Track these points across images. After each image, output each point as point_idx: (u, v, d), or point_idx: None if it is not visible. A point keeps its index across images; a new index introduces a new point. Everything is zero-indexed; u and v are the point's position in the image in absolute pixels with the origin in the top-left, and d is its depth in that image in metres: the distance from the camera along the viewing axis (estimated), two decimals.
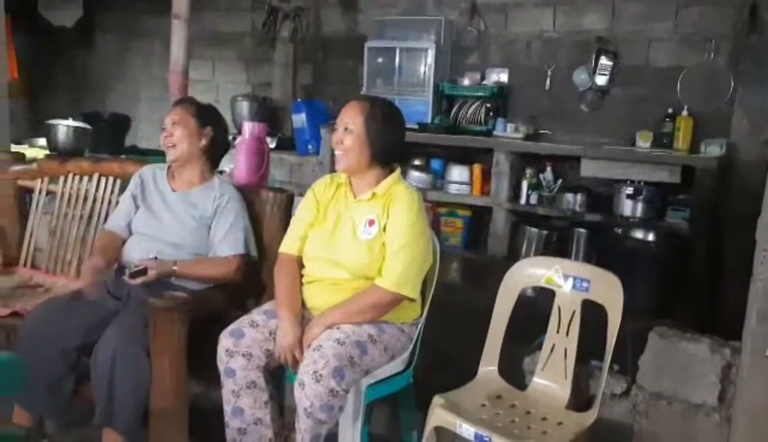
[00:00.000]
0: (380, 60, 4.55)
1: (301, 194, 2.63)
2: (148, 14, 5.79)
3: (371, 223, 1.97)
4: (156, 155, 4.90)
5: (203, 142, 2.37)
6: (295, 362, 1.88)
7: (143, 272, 2.16)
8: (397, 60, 4.48)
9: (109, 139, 5.31)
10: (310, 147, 4.74)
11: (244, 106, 5.14)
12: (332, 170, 4.36)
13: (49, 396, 2.10)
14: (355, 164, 2.00)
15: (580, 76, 4.17)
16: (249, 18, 5.45)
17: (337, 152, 2.02)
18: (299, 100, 4.97)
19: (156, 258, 2.23)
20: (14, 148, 3.86)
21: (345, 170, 2.04)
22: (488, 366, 2.08)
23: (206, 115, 2.40)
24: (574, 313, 1.99)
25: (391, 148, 2.03)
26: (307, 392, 1.76)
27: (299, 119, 4.77)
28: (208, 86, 5.70)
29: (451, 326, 2.54)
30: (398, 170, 2.06)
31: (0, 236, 2.88)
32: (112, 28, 6.19)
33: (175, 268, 2.20)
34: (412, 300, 1.99)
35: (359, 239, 1.98)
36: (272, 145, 4.39)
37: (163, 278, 2.19)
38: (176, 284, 2.22)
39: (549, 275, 2.04)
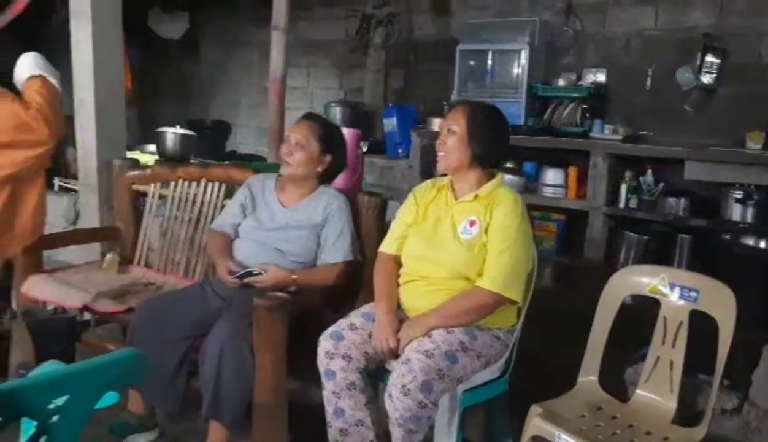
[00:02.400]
0: (472, 63, 4.54)
1: (392, 197, 2.68)
2: (248, 25, 6.05)
3: (472, 223, 1.99)
4: (254, 160, 5.12)
5: (320, 168, 2.40)
6: (392, 353, 1.92)
7: (255, 275, 2.22)
8: (489, 62, 4.45)
9: (212, 145, 5.60)
10: (400, 150, 4.79)
11: (336, 112, 5.27)
12: (422, 173, 4.46)
13: (162, 387, 2.23)
14: (455, 165, 2.03)
15: (683, 75, 3.98)
16: (343, 26, 5.58)
17: (439, 153, 2.05)
18: (390, 104, 5.03)
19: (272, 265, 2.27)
20: (127, 154, 4.13)
21: (446, 170, 2.08)
22: (588, 376, 2.03)
23: (330, 141, 2.41)
24: (681, 324, 1.91)
25: (493, 151, 2.04)
26: (396, 404, 1.79)
27: (390, 123, 4.84)
28: (302, 93, 5.88)
29: (545, 332, 2.50)
30: (501, 174, 2.07)
31: (118, 236, 3.10)
32: (215, 40, 6.50)
33: (294, 277, 2.25)
34: (514, 303, 1.98)
35: (459, 237, 1.99)
36: (364, 149, 4.47)
37: (281, 286, 2.23)
38: None
39: (654, 284, 1.97)
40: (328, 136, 2.42)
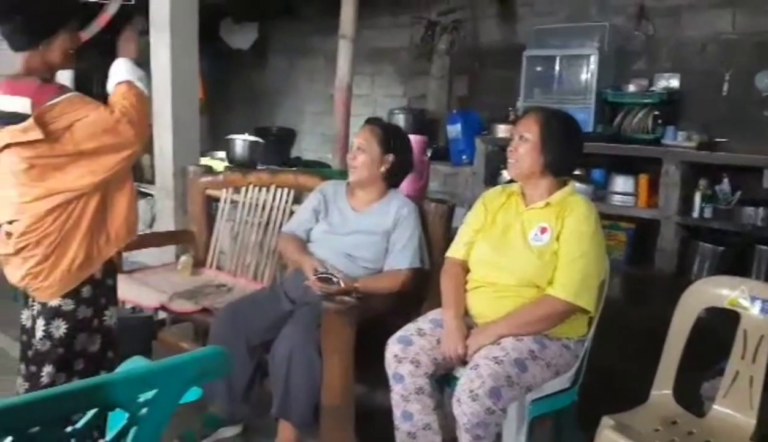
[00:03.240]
0: (539, 69, 4.48)
1: (455, 204, 2.68)
2: (314, 35, 6.16)
3: (543, 230, 1.97)
4: (318, 166, 5.21)
5: (383, 168, 2.44)
6: (461, 360, 1.92)
7: (332, 281, 2.25)
8: (556, 68, 4.38)
9: (277, 151, 5.72)
10: (464, 157, 4.77)
11: (400, 119, 5.29)
12: (486, 180, 4.44)
13: (241, 387, 2.31)
14: (527, 172, 2.02)
15: (764, 80, 3.80)
16: (407, 33, 5.61)
17: (510, 160, 2.05)
18: (455, 111, 5.02)
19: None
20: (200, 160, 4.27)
21: (516, 177, 2.07)
22: (662, 390, 1.97)
23: (391, 142, 2.45)
24: (762, 338, 1.83)
25: (565, 159, 2.03)
26: (464, 409, 1.78)
27: (454, 130, 4.82)
28: (366, 100, 5.94)
29: (614, 344, 2.44)
30: (573, 182, 2.05)
31: (191, 239, 3.22)
32: (282, 49, 6.65)
33: (356, 285, 2.29)
34: (585, 312, 1.95)
35: (530, 244, 1.98)
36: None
37: (344, 292, 2.27)
38: None
39: (734, 297, 1.89)
40: (388, 137, 2.46)
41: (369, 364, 2.14)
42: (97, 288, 2.00)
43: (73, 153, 1.85)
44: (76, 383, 1.00)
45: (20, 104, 1.82)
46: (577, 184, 4.16)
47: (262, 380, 2.34)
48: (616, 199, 4.13)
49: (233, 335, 2.29)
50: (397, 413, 2.00)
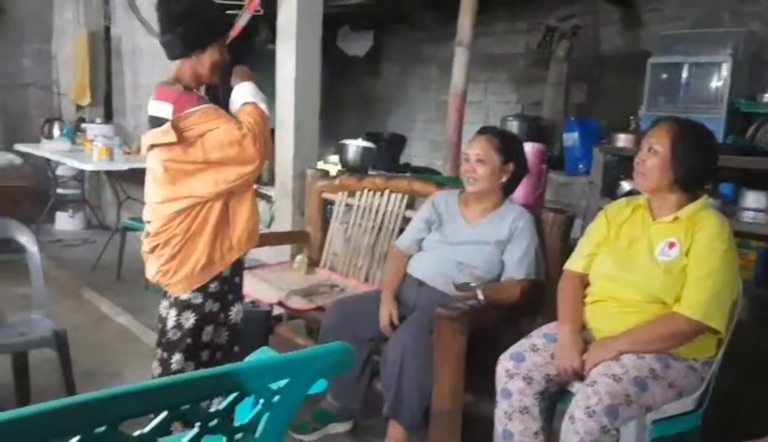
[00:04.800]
0: (664, 76, 4.27)
1: (574, 215, 2.60)
2: (428, 43, 6.22)
3: (672, 245, 1.89)
4: (428, 172, 5.24)
5: (503, 179, 2.42)
6: (576, 375, 1.87)
7: (473, 287, 2.24)
8: (684, 76, 4.16)
9: (387, 157, 5.81)
10: (580, 166, 4.63)
11: (514, 126, 5.22)
12: (603, 191, 4.28)
13: (349, 384, 2.38)
14: (655, 186, 1.94)
15: None
16: (523, 40, 5.54)
17: (637, 172, 1.97)
18: (572, 119, 4.89)
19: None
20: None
21: (644, 191, 1.99)
22: None
23: (510, 150, 2.42)
24: None
25: (697, 174, 1.92)
26: (578, 426, 1.72)
27: (571, 138, 4.70)
28: (479, 107, 5.92)
29: (742, 368, 2.28)
30: (705, 196, 1.94)
31: (307, 240, 3.35)
32: (396, 56, 6.77)
33: (481, 297, 2.25)
34: (715, 332, 1.85)
35: (656, 260, 1.90)
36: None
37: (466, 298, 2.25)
38: None
39: None
40: (506, 146, 2.42)
41: (477, 373, 2.14)
42: (225, 284, 2.12)
43: (202, 161, 1.97)
44: (218, 368, 1.08)
45: (165, 109, 1.98)
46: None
47: (372, 380, 2.39)
48: (747, 216, 3.85)
49: (343, 329, 2.36)
50: (498, 429, 1.97)
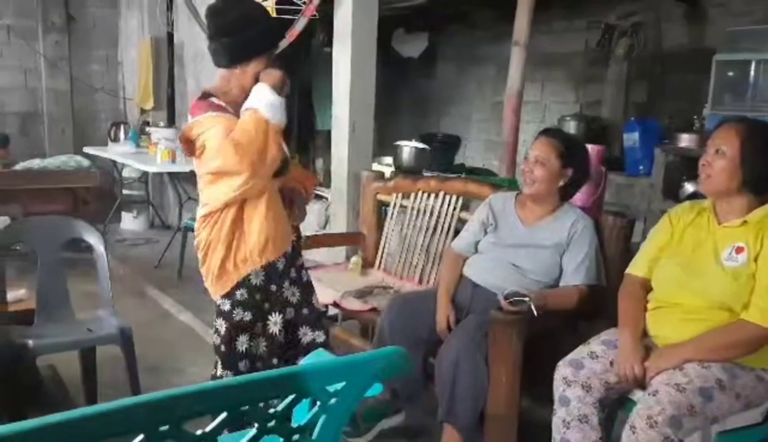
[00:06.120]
0: (731, 74, 4.11)
1: (635, 218, 2.52)
2: (484, 42, 6.16)
3: (739, 250, 1.82)
4: (483, 173, 5.19)
5: (561, 183, 2.37)
6: (637, 382, 1.83)
7: (522, 296, 2.18)
8: (751, 74, 3.99)
9: (441, 158, 5.77)
10: (641, 167, 4.50)
11: (571, 126, 5.11)
12: (665, 192, 4.15)
13: (410, 381, 2.38)
14: (722, 189, 1.87)
15: None
16: (582, 38, 5.42)
17: (702, 174, 1.90)
18: (632, 118, 4.76)
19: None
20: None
21: (710, 194, 1.92)
22: None
23: (571, 155, 2.37)
24: None
25: (767, 176, 1.84)
26: (639, 436, 1.68)
27: (631, 138, 4.57)
28: (535, 106, 5.83)
29: None
30: None
31: (362, 241, 3.37)
32: (451, 57, 6.73)
33: (545, 303, 2.20)
34: None
35: (723, 265, 1.83)
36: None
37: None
38: None
39: None
40: (568, 151, 2.37)
41: (535, 378, 2.10)
42: (257, 293, 2.05)
43: (205, 173, 2.00)
44: (276, 371, 1.10)
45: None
46: None
47: (427, 383, 2.39)
48: None
49: (401, 332, 2.37)
50: (556, 437, 1.93)
